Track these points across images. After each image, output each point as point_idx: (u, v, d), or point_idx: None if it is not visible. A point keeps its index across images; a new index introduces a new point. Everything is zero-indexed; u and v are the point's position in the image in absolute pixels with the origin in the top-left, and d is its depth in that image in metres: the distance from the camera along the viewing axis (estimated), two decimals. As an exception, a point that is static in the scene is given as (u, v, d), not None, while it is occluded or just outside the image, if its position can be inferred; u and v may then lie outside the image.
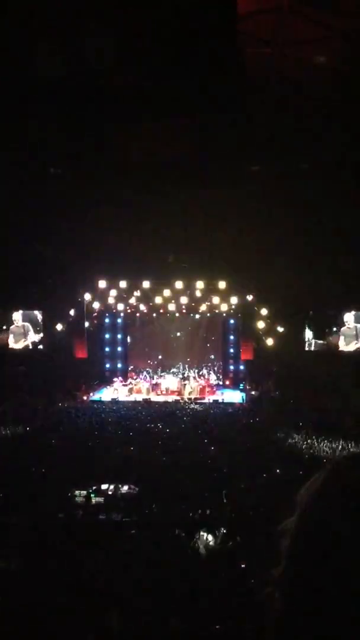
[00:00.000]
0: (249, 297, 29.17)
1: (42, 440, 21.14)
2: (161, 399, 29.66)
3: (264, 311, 28.59)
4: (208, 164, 22.64)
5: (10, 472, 17.45)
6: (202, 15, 13.60)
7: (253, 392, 30.12)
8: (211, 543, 11.19)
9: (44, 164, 23.61)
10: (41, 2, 14.10)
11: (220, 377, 33.18)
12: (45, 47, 15.37)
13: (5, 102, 18.69)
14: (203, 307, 31.10)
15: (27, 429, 22.84)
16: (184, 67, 15.16)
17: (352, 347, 27.47)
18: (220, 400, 29.93)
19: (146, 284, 28.90)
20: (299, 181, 23.56)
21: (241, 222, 25.48)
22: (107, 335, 33.16)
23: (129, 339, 33.57)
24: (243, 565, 11.41)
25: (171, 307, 30.45)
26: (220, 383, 32.99)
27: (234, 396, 30.36)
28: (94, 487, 16.81)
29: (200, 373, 32.44)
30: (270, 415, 24.89)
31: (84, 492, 16.28)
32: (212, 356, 33.28)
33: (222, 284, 28.75)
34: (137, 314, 32.49)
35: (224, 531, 11.46)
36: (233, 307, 30.11)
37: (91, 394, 30.21)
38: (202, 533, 11.90)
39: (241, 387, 31.36)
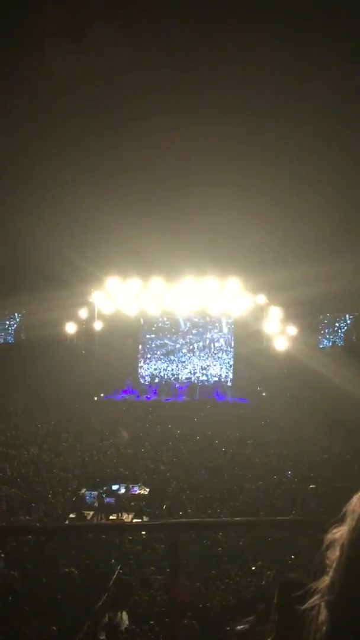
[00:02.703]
0: (261, 299, 29.01)
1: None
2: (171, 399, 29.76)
3: (276, 312, 28.42)
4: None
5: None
6: None
7: (264, 394, 30.05)
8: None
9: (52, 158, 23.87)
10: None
11: (231, 378, 33.07)
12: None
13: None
14: (214, 309, 30.93)
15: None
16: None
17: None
18: (230, 401, 29.89)
19: (156, 283, 28.64)
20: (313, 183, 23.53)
21: (253, 222, 25.44)
22: (117, 338, 32.92)
23: (139, 346, 33.37)
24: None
25: (181, 309, 30.24)
26: (230, 384, 32.89)
27: (244, 397, 30.27)
28: (105, 488, 16.90)
29: (210, 375, 32.30)
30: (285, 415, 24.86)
31: (94, 493, 16.37)
32: (224, 360, 33.07)
33: (234, 285, 28.58)
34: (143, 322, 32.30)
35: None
36: (244, 308, 29.92)
37: (102, 395, 30.33)
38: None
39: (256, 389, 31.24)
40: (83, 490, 16.44)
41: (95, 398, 29.55)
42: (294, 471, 18.10)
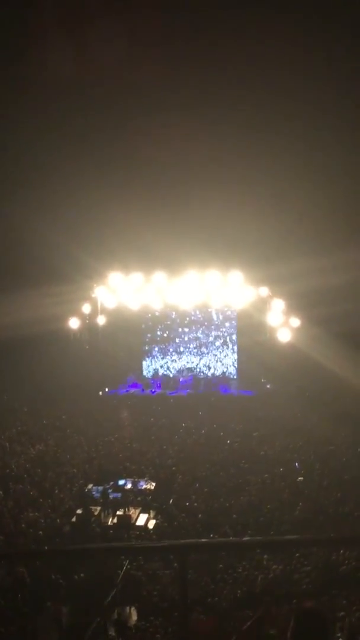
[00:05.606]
0: (263, 291, 28.95)
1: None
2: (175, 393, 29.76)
3: (278, 305, 28.37)
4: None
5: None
6: None
7: (268, 386, 29.99)
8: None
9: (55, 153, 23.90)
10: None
11: (236, 371, 33.06)
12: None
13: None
14: (216, 301, 30.87)
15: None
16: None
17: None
18: (235, 394, 29.84)
19: (159, 277, 28.61)
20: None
21: (254, 215, 25.32)
22: (121, 333, 32.83)
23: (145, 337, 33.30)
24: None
25: (184, 302, 30.21)
26: (234, 377, 32.86)
27: (249, 389, 30.26)
28: (111, 483, 16.93)
29: (214, 368, 32.29)
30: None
31: (100, 488, 16.40)
32: (227, 352, 33.03)
33: (236, 277, 28.55)
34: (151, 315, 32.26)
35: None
36: (247, 301, 29.85)
37: (106, 389, 30.35)
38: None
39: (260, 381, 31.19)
40: (90, 486, 16.49)
41: (100, 393, 29.61)
42: (300, 463, 18.12)
